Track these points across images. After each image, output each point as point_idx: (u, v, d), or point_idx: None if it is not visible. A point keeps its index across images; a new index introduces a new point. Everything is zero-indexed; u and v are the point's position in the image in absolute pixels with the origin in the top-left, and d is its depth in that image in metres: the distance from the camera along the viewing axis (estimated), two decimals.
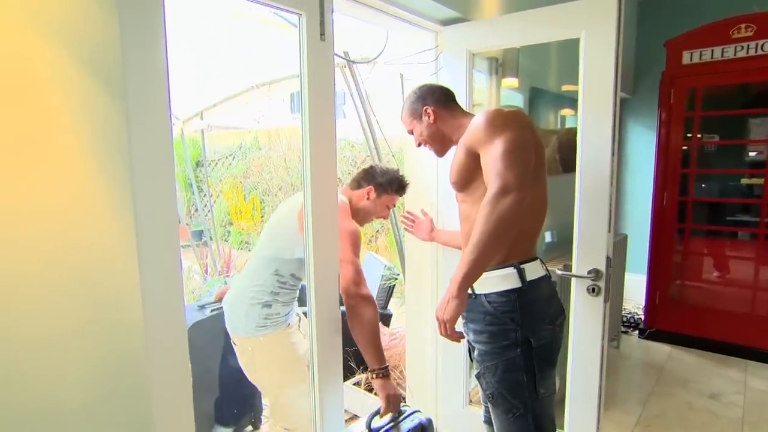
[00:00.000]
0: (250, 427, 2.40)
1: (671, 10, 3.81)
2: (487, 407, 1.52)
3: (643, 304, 3.57)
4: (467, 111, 1.54)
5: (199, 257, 5.04)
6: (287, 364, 1.72)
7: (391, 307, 3.05)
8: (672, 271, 3.41)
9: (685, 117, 3.25)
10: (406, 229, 2.05)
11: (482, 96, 2.20)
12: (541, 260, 1.40)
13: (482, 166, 1.24)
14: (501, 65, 2.11)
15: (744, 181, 3.37)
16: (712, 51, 3.04)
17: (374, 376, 1.58)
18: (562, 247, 2.12)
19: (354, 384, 2.62)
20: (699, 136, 3.37)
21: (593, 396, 1.74)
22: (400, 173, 1.87)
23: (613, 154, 1.60)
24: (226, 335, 1.80)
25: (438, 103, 1.47)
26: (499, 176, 1.14)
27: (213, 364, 2.22)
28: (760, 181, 3.06)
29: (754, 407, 2.54)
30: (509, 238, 1.17)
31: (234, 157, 6.72)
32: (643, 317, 3.60)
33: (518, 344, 1.29)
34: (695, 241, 3.46)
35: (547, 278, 1.40)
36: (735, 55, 2.98)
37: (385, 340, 2.76)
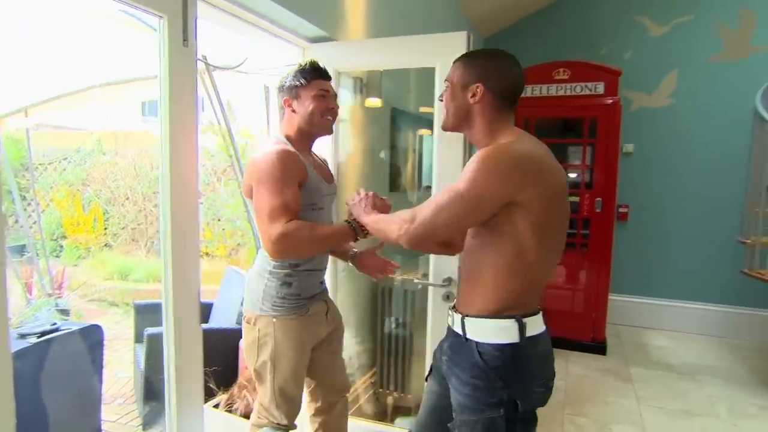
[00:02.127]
0: None
1: (512, 48, 4.36)
2: None
3: None
4: (512, 126, 1.26)
5: (20, 276, 4.30)
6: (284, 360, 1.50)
7: None
8: None
9: None
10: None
11: (345, 113, 2.29)
12: (543, 312, 1.29)
13: None
14: (365, 85, 2.22)
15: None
16: (541, 88, 3.57)
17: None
18: (420, 257, 2.29)
19: (214, 406, 2.48)
20: None
21: None
22: (304, 61, 1.52)
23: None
24: (54, 369, 1.58)
25: (495, 93, 1.23)
26: (423, 207, 1.17)
27: (36, 402, 1.92)
28: (576, 198, 3.65)
29: (573, 389, 3.00)
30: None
31: (70, 162, 5.91)
32: None
33: (502, 404, 1.17)
34: None
35: (545, 334, 1.27)
36: (556, 93, 3.54)
37: None
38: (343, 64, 1.92)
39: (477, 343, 1.21)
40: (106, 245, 5.50)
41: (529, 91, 3.59)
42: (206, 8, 1.48)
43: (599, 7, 4.17)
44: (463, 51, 1.73)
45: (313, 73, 1.47)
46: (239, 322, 2.83)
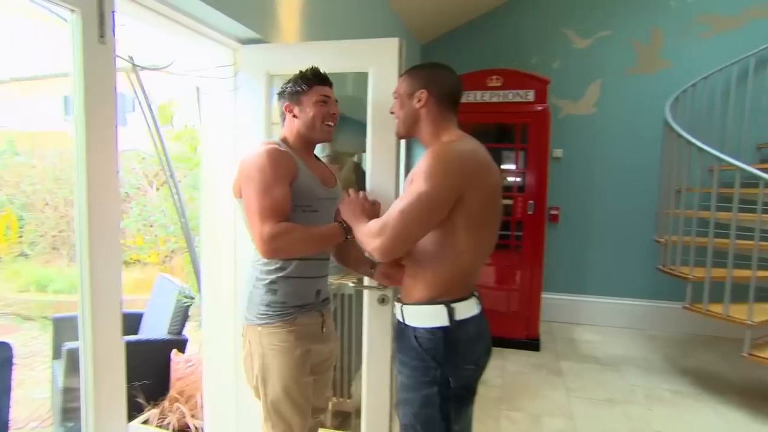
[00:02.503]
0: None
1: (448, 55, 4.51)
2: None
3: None
4: (455, 127, 1.41)
5: None
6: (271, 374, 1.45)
7: (187, 332, 2.84)
8: None
9: None
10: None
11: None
12: (477, 297, 1.41)
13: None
14: None
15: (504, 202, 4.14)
16: (475, 94, 3.69)
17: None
18: None
19: (143, 422, 2.36)
20: None
21: (385, 396, 1.91)
22: (305, 68, 1.54)
23: (397, 177, 1.80)
24: None
25: (438, 97, 1.38)
26: (390, 216, 1.25)
27: None
28: (510, 201, 3.80)
29: (508, 385, 3.11)
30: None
31: None
32: None
33: (436, 383, 1.30)
34: None
35: (478, 317, 1.38)
36: (490, 99, 3.67)
37: (180, 368, 2.55)
38: (275, 67, 1.89)
39: (414, 328, 1.34)
40: (21, 254, 5.07)
41: (465, 97, 3.68)
42: (125, 4, 1.41)
43: (528, 18, 4.38)
44: (396, 56, 1.76)
45: (314, 79, 1.51)
46: (171, 332, 2.71)
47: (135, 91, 2.75)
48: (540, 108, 3.59)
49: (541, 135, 3.60)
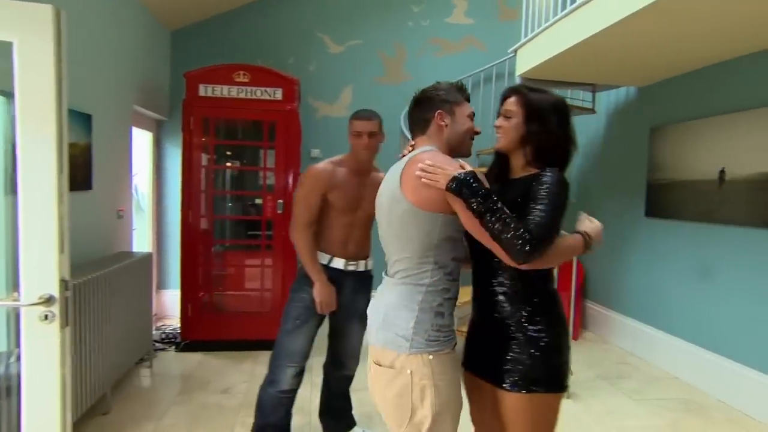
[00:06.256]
0: None
1: (200, 45, 4.22)
2: None
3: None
4: None
5: None
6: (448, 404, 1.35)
7: None
8: (202, 283, 3.69)
9: (204, 143, 3.62)
10: None
11: None
12: None
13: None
14: None
15: (257, 201, 4.06)
16: (221, 88, 3.51)
17: None
18: None
19: None
20: (225, 160, 3.85)
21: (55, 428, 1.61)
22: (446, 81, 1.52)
23: (60, 172, 1.52)
24: None
25: None
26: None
27: None
28: (260, 201, 3.74)
29: (253, 391, 3.01)
30: None
31: None
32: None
33: None
34: (225, 254, 3.90)
35: None
36: (237, 95, 3.54)
37: None
38: None
39: None
40: None
41: (210, 90, 3.51)
42: None
43: (285, 18, 4.41)
44: (50, 26, 1.48)
45: (465, 93, 1.51)
46: None
47: None
48: (289, 107, 3.60)
49: (290, 134, 3.61)
